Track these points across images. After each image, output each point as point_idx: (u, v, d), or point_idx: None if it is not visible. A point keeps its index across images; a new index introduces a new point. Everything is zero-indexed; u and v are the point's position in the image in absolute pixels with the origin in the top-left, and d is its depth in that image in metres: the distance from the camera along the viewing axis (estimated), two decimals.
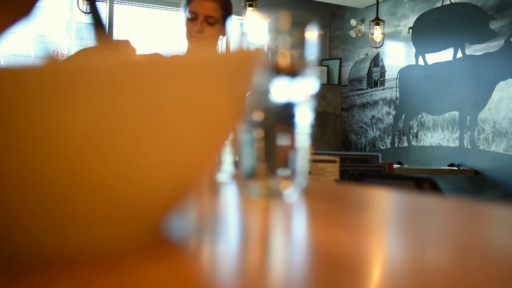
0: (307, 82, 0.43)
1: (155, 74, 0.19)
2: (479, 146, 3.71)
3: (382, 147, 4.55)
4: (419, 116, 4.21)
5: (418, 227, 0.31)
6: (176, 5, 4.24)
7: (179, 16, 1.69)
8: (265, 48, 0.43)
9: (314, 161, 0.99)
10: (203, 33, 1.59)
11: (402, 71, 4.41)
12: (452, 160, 3.88)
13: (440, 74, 4.03)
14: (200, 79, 0.20)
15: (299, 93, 0.43)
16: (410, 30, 4.35)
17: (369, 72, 4.74)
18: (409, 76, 4.33)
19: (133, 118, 0.19)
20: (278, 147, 0.43)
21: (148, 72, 0.19)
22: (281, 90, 0.42)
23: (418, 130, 4.23)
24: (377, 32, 4.24)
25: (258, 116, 0.43)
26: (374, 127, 4.67)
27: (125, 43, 1.03)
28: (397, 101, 4.44)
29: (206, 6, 1.59)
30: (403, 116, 4.38)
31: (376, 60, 4.68)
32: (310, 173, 0.96)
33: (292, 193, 0.42)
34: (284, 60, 0.43)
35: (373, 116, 4.69)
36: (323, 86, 4.95)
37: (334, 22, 5.20)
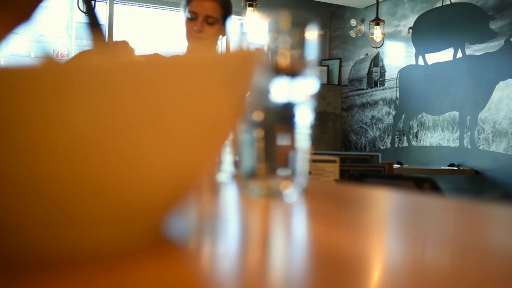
0: (307, 82, 0.43)
1: (155, 74, 0.19)
2: (479, 146, 3.71)
3: (382, 147, 4.55)
4: (419, 116, 4.21)
5: (418, 227, 0.31)
6: (176, 5, 4.24)
7: (179, 16, 1.69)
8: (265, 48, 0.43)
9: (314, 161, 0.99)
10: (203, 33, 1.59)
11: (402, 71, 4.41)
12: (452, 160, 3.88)
13: (440, 74, 4.03)
14: (200, 79, 0.20)
15: (299, 93, 0.43)
16: (410, 30, 4.35)
17: (369, 72, 4.74)
18: (409, 76, 4.33)
19: (133, 118, 0.19)
20: (278, 147, 0.43)
21: (148, 72, 0.19)
22: (281, 90, 0.42)
23: (418, 130, 4.23)
24: (377, 32, 4.24)
25: (258, 116, 0.43)
26: (374, 127, 4.67)
27: (124, 43, 1.03)
28: (397, 101, 4.44)
29: (205, 6, 1.59)
30: (403, 116, 4.38)
31: (376, 60, 4.68)
32: (310, 173, 0.96)
33: (292, 193, 0.42)
34: (284, 60, 0.43)
35: (373, 116, 4.69)
36: (323, 86, 4.95)
37: (334, 22, 5.20)
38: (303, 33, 0.43)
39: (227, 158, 0.59)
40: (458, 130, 3.87)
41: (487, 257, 0.23)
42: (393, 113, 4.47)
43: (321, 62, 5.07)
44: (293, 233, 0.29)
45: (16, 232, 0.20)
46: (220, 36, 1.66)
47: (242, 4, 3.92)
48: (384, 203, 0.46)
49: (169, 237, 0.25)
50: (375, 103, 4.67)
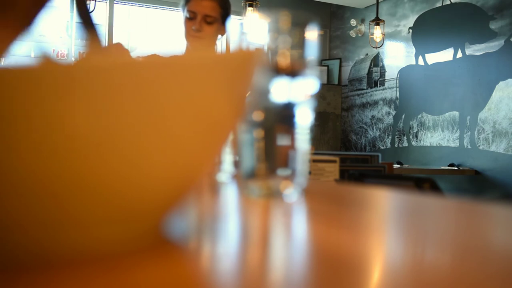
0: (307, 82, 0.43)
1: (155, 74, 0.19)
2: (479, 146, 3.71)
3: (382, 147, 4.55)
4: (419, 116, 4.21)
5: (418, 227, 0.31)
6: (175, 5, 4.24)
7: (178, 16, 1.69)
8: (265, 48, 0.43)
9: (314, 161, 0.99)
10: (202, 32, 1.59)
11: (402, 71, 4.41)
12: (452, 160, 3.88)
13: (440, 74, 4.03)
14: (200, 79, 0.20)
15: (299, 93, 0.43)
16: (410, 30, 4.35)
17: (369, 72, 4.74)
18: (409, 76, 4.33)
19: (133, 118, 0.19)
20: (278, 147, 0.43)
21: (148, 72, 0.19)
22: (281, 90, 0.42)
23: (418, 130, 4.23)
24: (377, 32, 4.24)
25: (258, 116, 0.43)
26: (374, 127, 4.67)
27: (117, 45, 1.04)
28: (397, 101, 4.44)
29: (204, 5, 1.60)
30: (403, 116, 4.38)
31: (376, 60, 4.68)
32: (310, 173, 0.96)
33: (292, 193, 0.42)
34: (284, 60, 0.43)
35: (373, 116, 4.69)
36: (323, 86, 4.95)
37: (334, 22, 5.20)
38: (303, 33, 0.43)
39: (227, 158, 0.59)
40: (458, 130, 3.87)
41: (487, 257, 0.23)
42: (393, 113, 4.47)
43: (321, 62, 5.07)
44: (293, 233, 0.29)
45: (16, 232, 0.20)
46: (219, 36, 1.66)
47: (242, 4, 3.92)
48: (384, 203, 0.46)
49: (169, 237, 0.25)
50: (375, 103, 4.67)
